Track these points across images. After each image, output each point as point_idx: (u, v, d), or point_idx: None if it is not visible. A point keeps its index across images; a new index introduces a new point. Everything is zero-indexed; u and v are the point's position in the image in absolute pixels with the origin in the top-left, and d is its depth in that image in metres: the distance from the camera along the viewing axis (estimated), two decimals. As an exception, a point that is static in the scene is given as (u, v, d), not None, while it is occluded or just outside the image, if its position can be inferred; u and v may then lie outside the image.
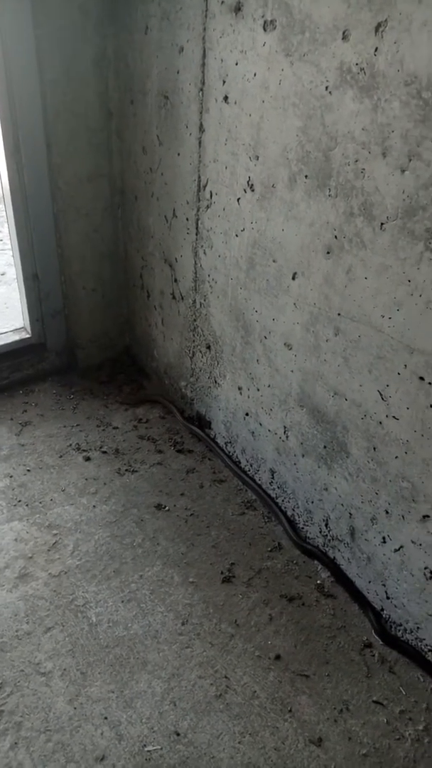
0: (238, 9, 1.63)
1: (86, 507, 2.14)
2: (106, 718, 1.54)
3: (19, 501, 2.14)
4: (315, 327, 1.73)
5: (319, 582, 1.93)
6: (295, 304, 1.78)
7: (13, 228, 2.41)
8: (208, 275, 2.14)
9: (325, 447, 1.85)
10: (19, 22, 2.01)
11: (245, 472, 2.30)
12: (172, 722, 1.54)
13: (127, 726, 1.52)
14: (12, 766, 1.43)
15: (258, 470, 2.24)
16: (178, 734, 1.52)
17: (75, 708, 1.55)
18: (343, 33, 1.36)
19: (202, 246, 2.12)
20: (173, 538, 2.05)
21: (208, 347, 2.30)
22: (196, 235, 2.14)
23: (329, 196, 1.53)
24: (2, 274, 3.85)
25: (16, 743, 1.47)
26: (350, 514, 1.83)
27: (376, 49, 1.29)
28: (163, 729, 1.53)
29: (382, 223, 1.40)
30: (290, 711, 1.59)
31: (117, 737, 1.50)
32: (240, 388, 2.19)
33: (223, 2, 1.67)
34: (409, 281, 1.39)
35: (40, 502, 2.14)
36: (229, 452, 2.39)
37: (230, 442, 2.37)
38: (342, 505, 1.86)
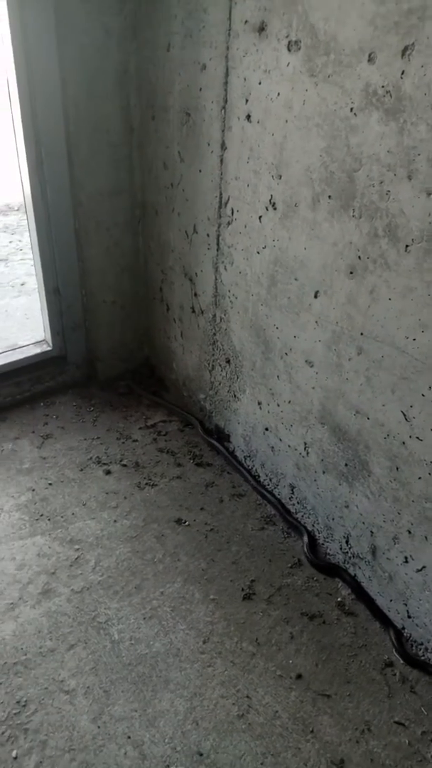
0: (261, 29, 1.63)
1: (107, 522, 2.15)
2: (129, 737, 1.54)
3: (41, 515, 2.15)
4: (337, 345, 1.73)
5: (339, 600, 1.92)
6: (317, 322, 1.78)
7: (35, 243, 2.43)
8: (229, 291, 2.15)
9: (346, 465, 1.85)
10: (44, 40, 2.04)
11: (264, 487, 2.30)
12: (195, 742, 1.54)
13: (151, 745, 1.53)
14: (36, 785, 1.44)
15: (278, 485, 2.24)
16: (201, 754, 1.52)
17: (99, 727, 1.56)
18: (369, 55, 1.36)
19: (222, 262, 2.13)
20: (193, 553, 2.05)
21: (228, 361, 2.30)
22: (217, 250, 2.14)
23: (353, 216, 1.53)
24: (22, 285, 3.89)
25: (41, 762, 1.47)
26: (372, 532, 1.82)
27: (402, 72, 1.29)
28: (186, 749, 1.53)
29: (406, 245, 1.40)
30: (312, 731, 1.59)
31: (141, 757, 1.50)
32: (260, 403, 2.19)
33: (246, 21, 1.68)
34: (435, 304, 1.38)
35: (62, 517, 2.15)
36: (248, 466, 2.39)
37: (249, 456, 2.37)
38: (363, 523, 1.85)
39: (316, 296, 1.75)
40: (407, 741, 1.57)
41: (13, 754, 1.50)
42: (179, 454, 2.50)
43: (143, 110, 2.29)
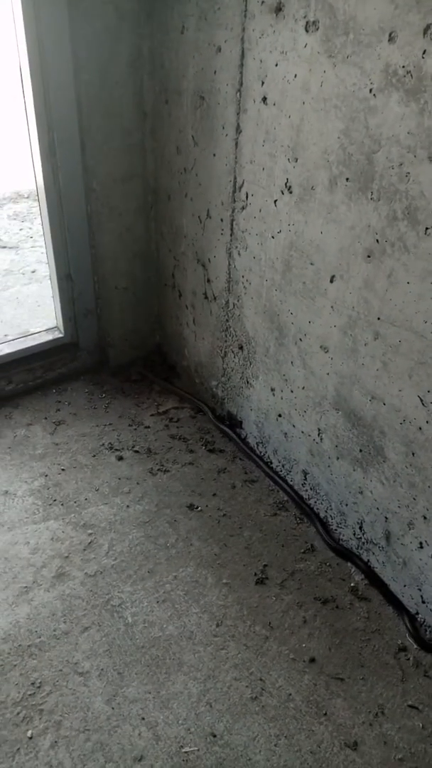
0: (278, 9, 1.61)
1: (120, 507, 2.15)
2: (143, 718, 1.55)
3: (55, 500, 2.16)
4: (353, 331, 1.72)
5: (352, 585, 1.93)
6: (332, 307, 1.77)
7: (48, 229, 2.43)
8: (242, 276, 2.14)
9: (361, 450, 1.84)
10: (56, 24, 2.02)
11: (277, 473, 2.30)
12: (209, 723, 1.55)
13: (164, 727, 1.54)
14: (53, 764, 1.45)
15: (290, 471, 2.24)
16: (214, 736, 1.53)
17: (113, 708, 1.57)
18: (390, 35, 1.34)
19: (236, 247, 2.12)
20: (206, 538, 2.05)
21: (241, 348, 2.29)
22: (231, 236, 2.13)
23: (371, 199, 1.51)
24: (33, 272, 3.89)
25: (56, 742, 1.49)
26: (386, 518, 1.82)
27: (424, 52, 1.27)
28: (200, 730, 1.54)
29: (426, 228, 1.39)
30: (325, 714, 1.60)
31: (155, 738, 1.51)
32: (273, 389, 2.18)
33: (263, 2, 1.66)
34: (454, 287, 1.37)
35: (75, 502, 2.16)
36: (261, 453, 2.39)
37: (262, 443, 2.37)
38: (377, 509, 1.85)
39: (332, 281, 1.74)
40: (421, 724, 1.58)
41: (29, 734, 1.51)
42: (191, 440, 2.50)
43: (156, 94, 2.27)
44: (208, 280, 2.36)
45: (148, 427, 2.56)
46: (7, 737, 1.50)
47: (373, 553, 1.93)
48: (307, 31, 1.55)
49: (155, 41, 2.17)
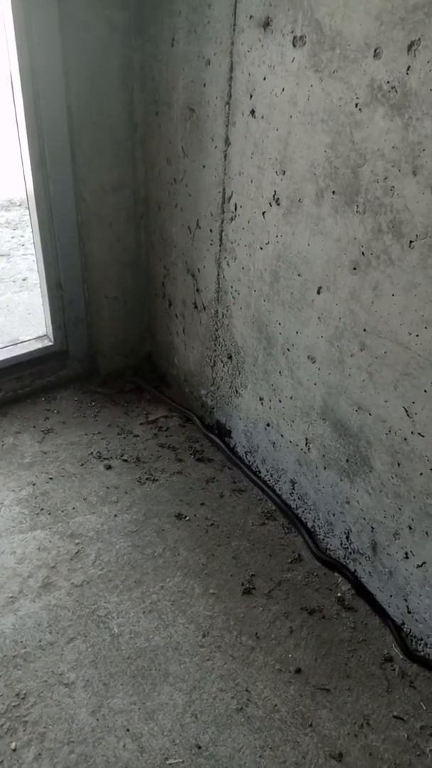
0: (266, 24, 1.63)
1: (107, 516, 2.15)
2: (128, 730, 1.54)
3: (42, 509, 2.15)
4: (340, 341, 1.73)
5: (339, 595, 1.93)
6: (319, 318, 1.78)
7: (38, 238, 2.43)
8: (231, 286, 2.15)
9: (347, 460, 1.85)
10: (47, 35, 2.03)
11: (265, 482, 2.30)
12: (194, 735, 1.55)
13: (149, 738, 1.53)
14: (36, 776, 1.44)
15: (278, 481, 2.24)
16: (199, 747, 1.52)
17: (98, 719, 1.56)
18: (375, 51, 1.36)
19: (225, 257, 2.13)
20: (194, 548, 2.05)
21: (230, 357, 2.30)
22: (220, 246, 2.14)
23: (357, 212, 1.53)
24: (24, 280, 3.89)
25: (39, 754, 1.48)
26: (372, 528, 1.83)
27: (408, 68, 1.29)
28: (185, 742, 1.53)
29: (411, 241, 1.40)
30: (311, 725, 1.59)
31: (139, 749, 1.51)
32: (261, 399, 2.19)
33: (251, 17, 1.68)
34: (438, 299, 1.39)
35: (62, 511, 2.15)
36: (249, 462, 2.40)
37: (250, 452, 2.37)
38: (364, 518, 1.85)
39: (319, 292, 1.75)
40: (406, 735, 1.58)
41: (12, 746, 1.50)
42: (180, 449, 2.50)
43: (147, 106, 2.29)
44: (198, 290, 2.37)
45: (137, 435, 2.56)
46: (-9, 749, 1.49)
47: (360, 563, 1.93)
48: (294, 45, 1.57)
49: (146, 53, 2.19)
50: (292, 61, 1.59)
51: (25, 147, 2.25)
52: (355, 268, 1.59)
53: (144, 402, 2.77)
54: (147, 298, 2.79)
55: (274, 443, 2.20)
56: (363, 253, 1.55)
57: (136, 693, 1.63)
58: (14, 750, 1.49)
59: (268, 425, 2.20)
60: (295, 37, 1.56)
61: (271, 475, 2.28)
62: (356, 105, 1.44)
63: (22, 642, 1.73)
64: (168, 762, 1.49)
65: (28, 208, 2.49)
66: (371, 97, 1.40)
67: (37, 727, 1.54)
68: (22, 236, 4.65)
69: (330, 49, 1.47)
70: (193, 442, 2.54)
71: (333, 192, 1.58)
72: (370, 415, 1.70)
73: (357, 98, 1.44)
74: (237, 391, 2.33)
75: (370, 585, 1.91)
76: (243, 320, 2.15)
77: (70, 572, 1.93)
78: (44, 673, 1.66)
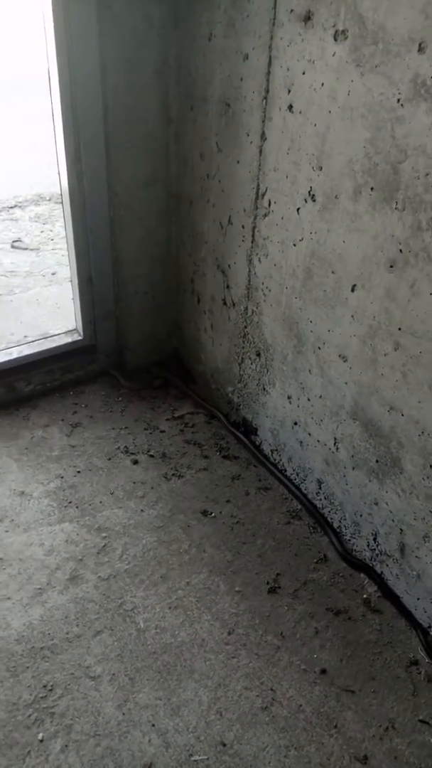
0: (307, 18, 1.62)
1: (134, 511, 2.15)
2: (153, 725, 1.54)
3: (70, 502, 2.16)
4: (373, 340, 1.71)
5: (365, 596, 1.91)
6: (353, 316, 1.76)
7: (71, 232, 2.44)
8: (262, 283, 2.14)
9: (377, 461, 1.83)
10: (85, 30, 2.04)
11: (291, 481, 2.29)
12: (219, 732, 1.54)
13: (174, 734, 1.53)
14: None
15: (305, 480, 2.23)
16: (224, 745, 1.52)
17: (123, 713, 1.56)
18: (419, 45, 1.33)
19: (257, 254, 2.12)
20: (219, 545, 2.05)
21: (258, 354, 2.29)
22: (252, 242, 2.13)
23: (396, 209, 1.51)
24: (53, 274, 3.91)
25: (66, 746, 1.49)
26: (401, 530, 1.81)
27: (453, 63, 1.27)
28: (210, 739, 1.53)
29: (451, 239, 1.38)
30: (336, 727, 1.58)
31: (164, 745, 1.51)
32: (289, 397, 2.17)
33: (292, 11, 1.66)
34: None
35: (90, 504, 2.16)
36: (275, 460, 2.38)
37: (276, 450, 2.36)
38: (393, 520, 1.83)
39: (353, 290, 1.73)
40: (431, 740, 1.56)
41: (39, 737, 1.51)
42: (206, 446, 2.50)
43: (182, 101, 2.29)
44: (228, 286, 2.36)
45: (164, 431, 2.56)
46: (18, 740, 1.50)
47: (387, 565, 1.91)
48: (335, 40, 1.55)
49: (182, 48, 2.18)
50: (333, 55, 1.57)
51: (60, 142, 2.26)
52: (391, 266, 1.57)
53: (170, 398, 2.77)
54: (175, 294, 2.78)
55: (301, 442, 2.19)
56: (401, 251, 1.52)
57: (162, 688, 1.63)
58: (41, 741, 1.50)
59: (295, 424, 2.19)
60: (336, 32, 1.54)
61: (297, 474, 2.26)
62: (398, 100, 1.42)
63: (49, 634, 1.74)
64: (193, 758, 1.49)
65: (62, 203, 2.50)
66: (414, 93, 1.37)
67: (63, 719, 1.54)
68: (51, 230, 4.68)
69: (372, 43, 1.45)
70: (218, 439, 2.54)
71: (371, 188, 1.56)
72: (402, 415, 1.68)
73: (399, 93, 1.41)
74: (264, 389, 2.32)
75: (397, 587, 1.89)
76: (273, 317, 2.13)
77: (97, 565, 1.94)
78: (71, 665, 1.66)
